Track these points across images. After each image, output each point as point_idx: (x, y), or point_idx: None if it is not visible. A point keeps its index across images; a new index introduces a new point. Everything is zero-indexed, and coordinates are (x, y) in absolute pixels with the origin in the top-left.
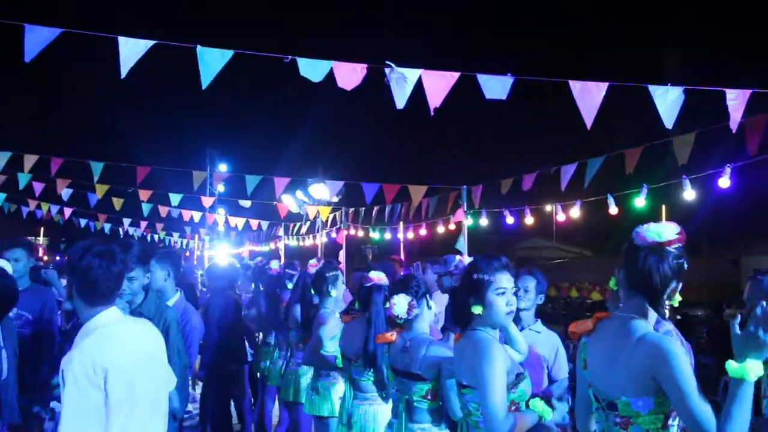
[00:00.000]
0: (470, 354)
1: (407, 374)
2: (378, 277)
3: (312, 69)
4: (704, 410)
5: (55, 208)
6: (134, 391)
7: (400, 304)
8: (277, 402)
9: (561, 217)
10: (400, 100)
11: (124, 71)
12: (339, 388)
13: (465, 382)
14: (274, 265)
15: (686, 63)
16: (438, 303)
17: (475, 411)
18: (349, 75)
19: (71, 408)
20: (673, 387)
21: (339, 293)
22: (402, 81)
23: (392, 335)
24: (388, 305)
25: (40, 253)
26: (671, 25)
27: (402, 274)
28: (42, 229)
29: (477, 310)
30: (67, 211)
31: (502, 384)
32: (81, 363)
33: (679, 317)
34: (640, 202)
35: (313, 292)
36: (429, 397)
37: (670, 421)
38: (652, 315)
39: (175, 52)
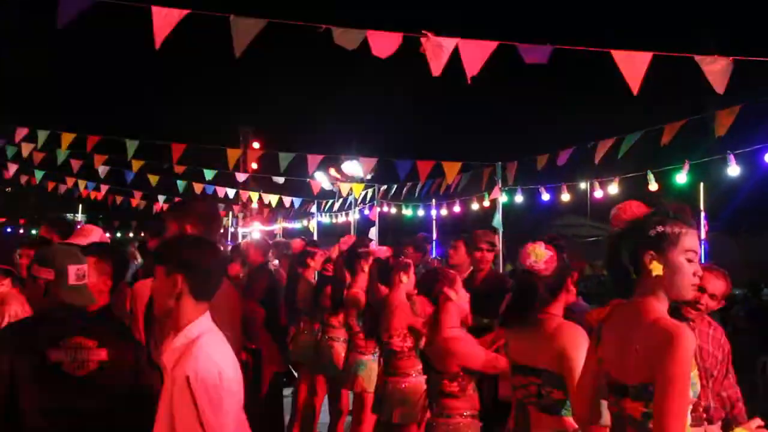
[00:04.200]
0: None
1: (432, 368)
2: (379, 250)
3: (346, 38)
4: (681, 415)
5: (91, 185)
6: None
7: (420, 303)
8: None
9: (598, 193)
10: (436, 68)
11: (158, 42)
12: (372, 363)
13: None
14: (296, 243)
15: (730, 36)
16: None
17: (548, 395)
18: (384, 44)
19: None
20: (662, 376)
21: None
22: (438, 50)
23: (423, 324)
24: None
25: None
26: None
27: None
28: (80, 206)
29: (657, 269)
30: (104, 189)
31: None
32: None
33: None
34: (681, 178)
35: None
36: (451, 387)
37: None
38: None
39: (208, 25)
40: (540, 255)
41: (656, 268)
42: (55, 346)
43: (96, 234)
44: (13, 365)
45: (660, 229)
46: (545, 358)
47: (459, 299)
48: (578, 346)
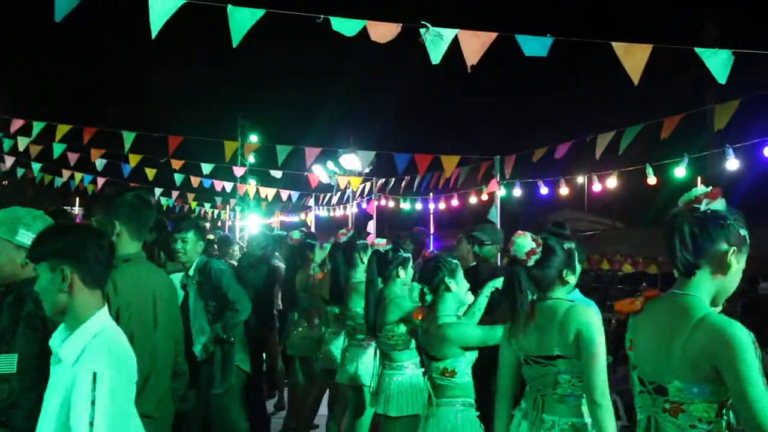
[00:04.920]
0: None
1: (428, 355)
2: (377, 242)
3: (345, 27)
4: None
5: (88, 178)
6: None
7: (413, 291)
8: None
9: (597, 187)
10: (436, 57)
11: (154, 31)
12: (369, 356)
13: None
14: (295, 235)
15: (729, 29)
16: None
17: (567, 383)
18: (383, 32)
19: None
20: (735, 379)
21: None
22: (438, 40)
23: (419, 314)
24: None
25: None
26: None
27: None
28: (77, 199)
29: (734, 267)
30: (100, 181)
31: None
32: None
33: None
34: (680, 172)
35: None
36: (446, 374)
37: (723, 411)
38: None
39: (205, 14)
40: (521, 245)
41: (734, 265)
42: None
43: None
44: None
45: (744, 231)
46: (560, 343)
47: (460, 290)
48: (595, 325)
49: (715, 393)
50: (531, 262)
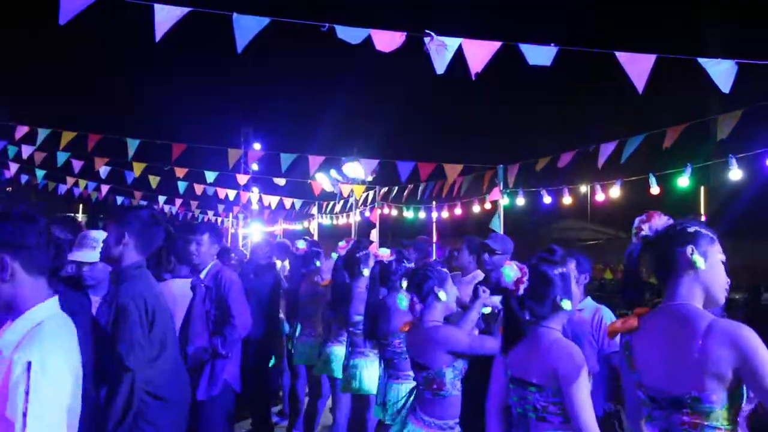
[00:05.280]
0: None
1: (415, 363)
2: (381, 253)
3: (350, 35)
4: None
5: (92, 186)
6: None
7: (402, 301)
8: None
9: (600, 197)
10: (440, 66)
11: (158, 36)
12: (372, 365)
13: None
14: (300, 244)
15: (732, 39)
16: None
17: (543, 410)
18: (388, 40)
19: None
20: (756, 378)
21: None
22: (442, 49)
23: (406, 326)
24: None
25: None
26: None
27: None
28: (81, 206)
29: (699, 262)
30: (104, 189)
31: None
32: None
33: None
34: (683, 182)
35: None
36: (434, 386)
37: (738, 417)
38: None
39: (210, 23)
40: (508, 275)
41: (699, 261)
42: None
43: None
44: None
45: (696, 228)
46: (539, 373)
47: (449, 299)
48: (575, 364)
49: (732, 399)
50: (521, 291)
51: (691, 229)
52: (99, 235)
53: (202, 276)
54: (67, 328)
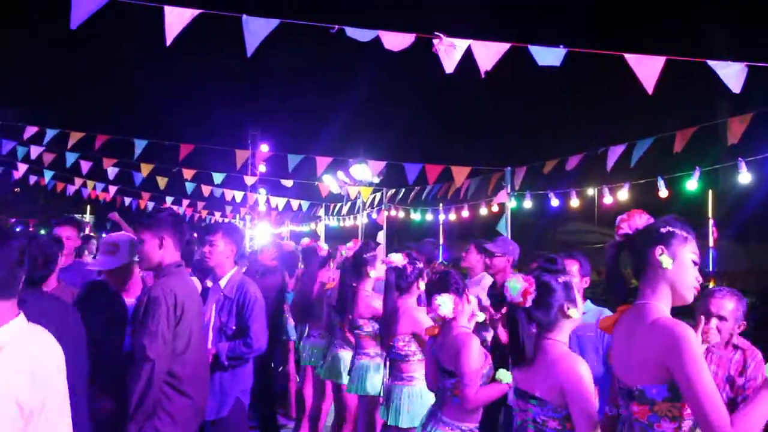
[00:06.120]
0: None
1: (442, 369)
2: (394, 259)
3: (359, 35)
4: (715, 404)
5: (100, 186)
6: None
7: (446, 305)
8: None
9: (608, 199)
10: (450, 66)
11: (169, 40)
12: (378, 367)
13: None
14: (324, 245)
15: (741, 42)
16: (482, 287)
17: (542, 424)
18: (397, 43)
19: None
20: (683, 376)
21: (379, 273)
22: (451, 49)
23: (436, 329)
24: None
25: (88, 231)
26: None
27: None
28: (88, 207)
29: (666, 262)
30: (112, 190)
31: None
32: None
33: None
34: (692, 185)
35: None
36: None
37: (685, 411)
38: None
39: (219, 26)
40: (514, 288)
41: (666, 261)
42: None
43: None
44: None
45: (670, 228)
46: (544, 387)
47: (474, 304)
48: (583, 380)
49: (673, 392)
50: (529, 303)
51: (664, 230)
52: (120, 239)
53: (222, 284)
54: (33, 348)
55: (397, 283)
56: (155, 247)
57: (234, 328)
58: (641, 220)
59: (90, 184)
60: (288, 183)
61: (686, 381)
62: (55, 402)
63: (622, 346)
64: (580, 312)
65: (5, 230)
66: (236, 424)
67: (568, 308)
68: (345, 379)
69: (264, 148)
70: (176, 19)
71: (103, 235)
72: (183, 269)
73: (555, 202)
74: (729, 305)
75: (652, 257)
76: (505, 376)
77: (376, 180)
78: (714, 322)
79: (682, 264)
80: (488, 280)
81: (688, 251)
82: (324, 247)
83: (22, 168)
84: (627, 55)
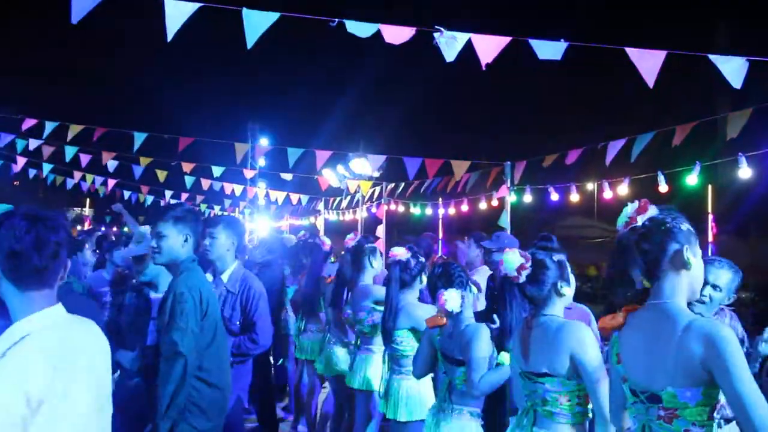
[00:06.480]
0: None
1: (452, 359)
2: (398, 252)
3: (359, 30)
4: (759, 404)
5: (99, 180)
6: None
7: (452, 299)
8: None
9: (608, 194)
10: (450, 55)
11: (169, 35)
12: (377, 361)
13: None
14: (327, 240)
15: (741, 37)
16: (482, 278)
17: (555, 401)
18: (397, 36)
19: None
20: (726, 377)
21: (379, 266)
22: (452, 42)
23: (443, 319)
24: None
25: (87, 225)
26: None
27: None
28: (88, 200)
29: (692, 261)
30: (111, 183)
31: None
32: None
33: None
34: (692, 180)
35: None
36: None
37: (714, 414)
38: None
39: (219, 19)
40: (510, 262)
41: (692, 260)
42: None
43: None
44: None
45: (689, 226)
46: (551, 360)
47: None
48: (587, 344)
49: (707, 396)
50: (523, 279)
51: (685, 226)
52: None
53: (224, 279)
54: (55, 339)
55: (401, 276)
56: (179, 244)
57: (239, 323)
58: (653, 211)
59: (89, 177)
60: (288, 177)
61: (730, 384)
62: (74, 396)
63: (644, 349)
64: (573, 291)
65: (50, 223)
66: (235, 423)
67: (561, 286)
68: (341, 373)
69: (264, 141)
70: (176, 12)
71: (102, 228)
72: (197, 264)
73: (555, 197)
74: (725, 276)
75: (676, 255)
76: (506, 358)
77: (376, 174)
78: (708, 290)
79: (699, 263)
80: (487, 270)
81: (697, 248)
82: (327, 241)
83: (21, 161)
84: (628, 49)
